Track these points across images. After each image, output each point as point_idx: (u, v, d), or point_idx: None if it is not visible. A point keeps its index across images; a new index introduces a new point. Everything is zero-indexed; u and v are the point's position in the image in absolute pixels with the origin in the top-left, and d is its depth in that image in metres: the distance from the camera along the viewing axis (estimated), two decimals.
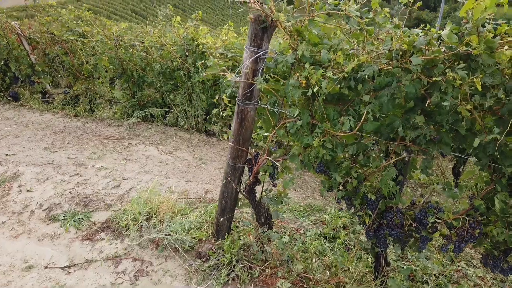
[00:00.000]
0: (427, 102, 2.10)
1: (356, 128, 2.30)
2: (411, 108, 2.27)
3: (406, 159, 2.45)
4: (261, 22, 2.31)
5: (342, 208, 3.81)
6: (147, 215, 3.32)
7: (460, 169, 5.48)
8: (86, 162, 4.53)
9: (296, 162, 2.58)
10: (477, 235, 2.36)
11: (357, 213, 2.61)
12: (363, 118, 2.27)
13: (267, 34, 2.36)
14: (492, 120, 2.22)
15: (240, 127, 2.64)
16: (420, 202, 2.60)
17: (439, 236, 2.47)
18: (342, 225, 3.69)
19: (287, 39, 2.30)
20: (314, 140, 2.39)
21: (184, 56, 5.39)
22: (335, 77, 2.20)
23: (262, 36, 2.36)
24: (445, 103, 1.97)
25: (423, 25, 2.40)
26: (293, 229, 3.69)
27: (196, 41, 5.29)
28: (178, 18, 5.23)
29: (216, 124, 5.77)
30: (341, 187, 2.57)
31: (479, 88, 1.90)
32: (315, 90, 2.19)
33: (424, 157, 2.32)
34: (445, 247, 2.46)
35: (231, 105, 2.66)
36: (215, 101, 2.72)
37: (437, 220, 2.46)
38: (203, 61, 4.23)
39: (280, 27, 2.31)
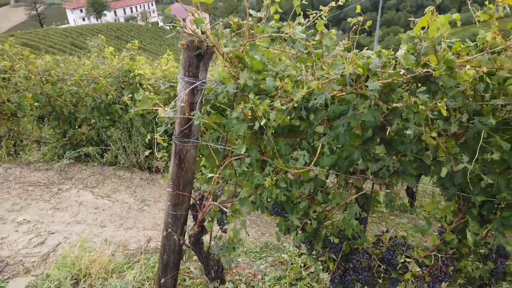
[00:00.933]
0: (387, 130, 1.86)
1: (312, 163, 2.02)
2: (370, 138, 2.03)
3: (369, 193, 2.20)
4: (195, 48, 2.00)
5: (302, 253, 3.48)
6: (75, 278, 2.78)
7: (414, 189, 5.44)
8: (5, 216, 3.88)
9: (247, 205, 2.24)
10: (451, 272, 2.13)
11: (320, 259, 2.30)
12: (318, 151, 2.00)
13: (203, 62, 2.05)
14: (454, 145, 2.04)
15: (179, 169, 2.26)
16: (386, 238, 2.35)
17: (411, 277, 2.21)
18: (303, 264, 3.38)
19: (226, 66, 2.00)
20: (265, 180, 2.07)
21: (120, 88, 4.95)
22: (284, 108, 1.91)
23: (198, 64, 2.04)
24: (409, 131, 1.74)
25: (367, 47, 2.21)
26: (250, 274, 3.30)
27: (133, 72, 4.89)
28: (111, 48, 4.82)
29: (160, 159, 5.33)
30: (299, 231, 2.25)
31: (444, 113, 1.69)
32: (262, 123, 1.89)
33: (387, 190, 2.08)
34: None
35: (166, 144, 2.28)
36: (147, 140, 2.34)
37: (407, 259, 2.21)
38: (130, 95, 3.81)
39: (218, 53, 2.01)
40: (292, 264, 3.41)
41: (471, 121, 1.85)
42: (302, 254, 2.91)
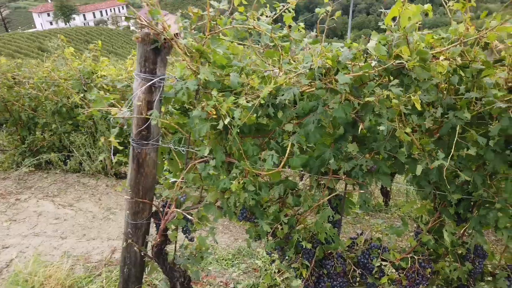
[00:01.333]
0: (359, 127, 1.75)
1: (281, 164, 1.88)
2: (341, 136, 1.92)
3: (342, 194, 2.08)
4: (152, 42, 1.83)
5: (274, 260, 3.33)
6: None
7: (388, 189, 5.40)
8: None
9: (213, 212, 2.08)
10: (429, 275, 2.04)
11: (292, 265, 2.16)
12: (287, 151, 1.87)
13: (161, 57, 1.88)
14: (428, 142, 1.95)
15: (138, 174, 2.08)
16: (361, 241, 2.24)
17: (388, 281, 2.10)
18: (277, 270, 3.24)
19: (184, 60, 1.84)
20: (232, 183, 1.91)
21: (82, 91, 4.68)
22: (249, 105, 1.77)
23: (155, 59, 1.87)
24: (382, 127, 1.63)
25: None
26: (221, 283, 3.13)
27: (96, 73, 4.64)
28: (71, 49, 4.55)
29: (127, 165, 5.09)
30: (270, 237, 2.11)
31: (418, 107, 1.59)
32: (226, 121, 1.74)
33: (361, 191, 1.97)
34: None
35: (122, 148, 2.10)
36: (101, 144, 2.14)
37: (383, 263, 2.10)
38: (82, 95, 3.56)
39: (177, 47, 1.84)
40: (266, 270, 3.27)
41: (446, 116, 1.77)
42: (274, 261, 2.76)
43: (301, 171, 2.01)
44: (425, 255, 2.08)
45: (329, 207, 1.98)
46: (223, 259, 3.48)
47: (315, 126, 1.78)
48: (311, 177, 2.00)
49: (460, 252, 2.09)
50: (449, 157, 1.69)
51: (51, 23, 73.71)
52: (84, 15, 78.54)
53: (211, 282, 3.13)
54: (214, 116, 1.88)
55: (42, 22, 74.66)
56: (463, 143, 1.76)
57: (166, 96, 1.95)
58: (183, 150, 2.06)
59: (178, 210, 2.07)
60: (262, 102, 1.79)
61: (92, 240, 3.60)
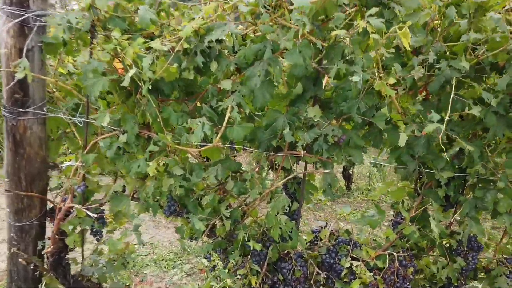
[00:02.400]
0: (324, 83, 1.23)
1: (218, 136, 1.35)
2: (299, 96, 1.41)
3: (301, 176, 1.58)
4: None
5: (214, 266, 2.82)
6: None
7: (350, 171, 5.04)
8: None
9: (125, 205, 1.52)
10: (411, 276, 1.60)
11: (238, 272, 1.65)
12: (226, 118, 1.33)
13: None
14: (413, 102, 1.49)
15: (17, 157, 1.47)
16: (325, 236, 1.77)
17: (360, 285, 1.64)
18: (227, 270, 2.73)
19: None
20: (149, 165, 1.36)
21: None
22: (165, 49, 1.21)
23: None
24: (355, 78, 1.13)
25: None
26: None
27: None
28: None
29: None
30: (205, 237, 1.58)
31: (407, 45, 1.10)
32: (131, 73, 1.17)
33: (326, 171, 1.48)
34: None
35: None
36: None
37: (354, 262, 1.64)
38: None
39: None
40: (215, 270, 2.75)
41: (437, 67, 1.30)
42: (214, 266, 2.26)
43: (246, 146, 1.49)
44: (406, 251, 1.64)
45: (283, 193, 1.48)
46: (163, 259, 2.92)
47: (261, 81, 1.25)
48: (259, 154, 1.48)
49: (446, 244, 1.67)
50: (445, 122, 1.23)
51: None
52: None
53: None
54: (121, 71, 1.32)
55: None
56: (460, 99, 1.30)
57: (46, 41, 1.34)
58: (80, 122, 1.46)
59: (77, 205, 1.48)
60: (187, 46, 1.24)
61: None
